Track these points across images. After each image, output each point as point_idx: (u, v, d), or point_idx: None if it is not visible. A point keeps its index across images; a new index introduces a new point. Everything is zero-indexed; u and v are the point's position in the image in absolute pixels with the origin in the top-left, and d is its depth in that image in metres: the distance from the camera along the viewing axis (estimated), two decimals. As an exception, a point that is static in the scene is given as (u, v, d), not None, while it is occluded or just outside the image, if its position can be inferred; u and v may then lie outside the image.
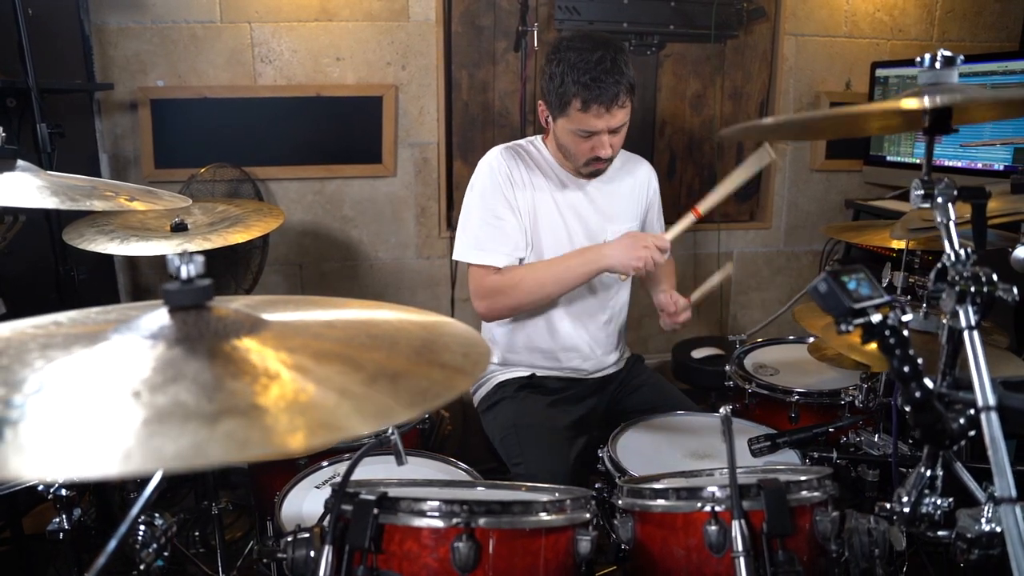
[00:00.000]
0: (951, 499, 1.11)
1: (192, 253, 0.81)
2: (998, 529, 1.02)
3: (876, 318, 0.96)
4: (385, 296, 3.02)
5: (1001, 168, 2.58)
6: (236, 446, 0.59)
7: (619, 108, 1.75)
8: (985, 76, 2.61)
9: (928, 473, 1.11)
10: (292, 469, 1.70)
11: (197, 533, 2.39)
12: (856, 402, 1.78)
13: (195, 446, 0.58)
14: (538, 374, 2.00)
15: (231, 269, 2.71)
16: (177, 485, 2.71)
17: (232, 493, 2.64)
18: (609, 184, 1.99)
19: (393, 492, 1.06)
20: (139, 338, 0.77)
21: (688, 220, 1.85)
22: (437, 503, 1.03)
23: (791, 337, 2.39)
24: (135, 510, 0.84)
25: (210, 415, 0.62)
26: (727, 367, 2.18)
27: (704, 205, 1.84)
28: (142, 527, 1.13)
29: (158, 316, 0.80)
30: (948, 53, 1.05)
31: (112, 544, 0.81)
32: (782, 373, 2.15)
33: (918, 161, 2.90)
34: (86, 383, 0.68)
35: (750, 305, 3.35)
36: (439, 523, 1.02)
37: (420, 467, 1.68)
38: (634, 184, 2.06)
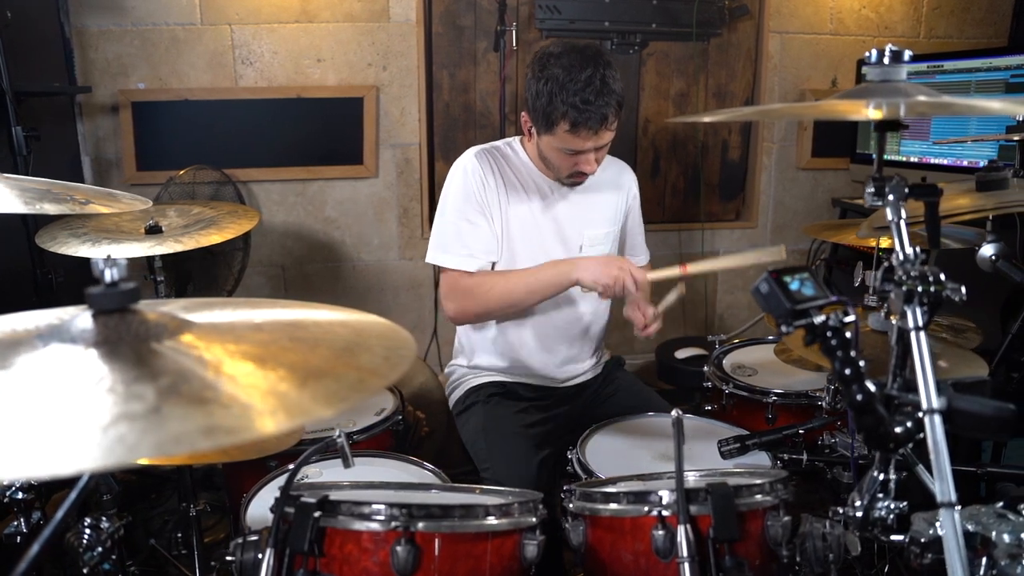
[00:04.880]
0: (905, 503, 1.09)
1: (114, 257, 0.81)
2: (953, 533, 1.00)
3: (819, 319, 0.95)
4: (368, 297, 3.02)
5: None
6: (125, 450, 0.59)
7: (607, 129, 1.72)
8: (969, 73, 2.59)
9: (881, 476, 1.09)
10: (263, 471, 1.69)
11: (180, 535, 2.38)
12: (824, 403, 1.76)
13: (83, 450, 0.57)
14: (510, 381, 1.98)
15: (212, 271, 2.71)
16: (160, 486, 2.72)
17: (215, 494, 2.64)
18: (589, 189, 1.94)
19: (334, 495, 1.06)
20: (58, 342, 0.77)
21: (674, 272, 1.73)
22: (376, 507, 1.02)
23: (771, 337, 2.37)
24: (60, 513, 0.83)
25: (106, 418, 0.62)
26: (705, 368, 2.16)
27: (695, 266, 1.73)
28: (87, 530, 1.12)
29: (82, 320, 0.79)
30: (896, 48, 1.03)
31: (34, 548, 0.81)
32: (760, 374, 2.13)
33: (905, 159, 2.88)
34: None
35: (737, 305, 3.33)
36: (378, 527, 1.02)
37: (388, 469, 1.67)
38: (615, 190, 2.02)
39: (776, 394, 1.94)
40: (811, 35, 3.05)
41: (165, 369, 0.72)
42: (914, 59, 3.10)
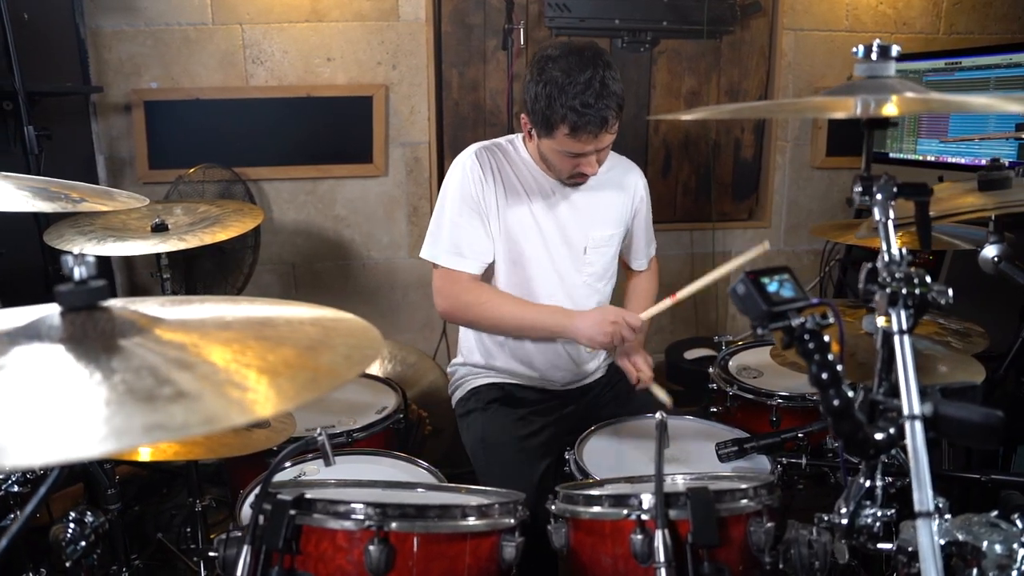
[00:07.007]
0: (892, 510, 1.07)
1: (84, 255, 0.81)
2: (941, 542, 0.98)
3: (796, 321, 0.93)
4: (378, 295, 3.03)
5: (1007, 164, 2.48)
6: (66, 447, 0.59)
7: (608, 132, 1.70)
8: (988, 70, 2.52)
9: (867, 483, 1.06)
10: (264, 467, 1.70)
11: (188, 529, 2.40)
12: (820, 408, 1.73)
13: (19, 445, 0.58)
14: (511, 383, 1.96)
15: (223, 269, 2.73)
16: (171, 480, 2.75)
17: (223, 490, 2.67)
18: (593, 189, 1.91)
19: (311, 494, 1.06)
20: (25, 339, 0.78)
21: (665, 304, 1.75)
22: (350, 505, 1.02)
23: (778, 339, 2.33)
24: (29, 508, 0.84)
25: (53, 415, 0.63)
26: (710, 369, 2.13)
27: (683, 292, 1.73)
28: (72, 524, 1.14)
29: (51, 317, 0.80)
30: (883, 44, 1.01)
31: (3, 542, 0.82)
32: (766, 375, 2.10)
33: (921, 158, 2.81)
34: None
35: (749, 306, 3.28)
36: (352, 526, 1.02)
37: (383, 468, 1.66)
38: (620, 191, 1.98)
39: (781, 396, 1.91)
40: (826, 32, 3.00)
41: (124, 366, 0.73)
42: (932, 56, 3.02)
